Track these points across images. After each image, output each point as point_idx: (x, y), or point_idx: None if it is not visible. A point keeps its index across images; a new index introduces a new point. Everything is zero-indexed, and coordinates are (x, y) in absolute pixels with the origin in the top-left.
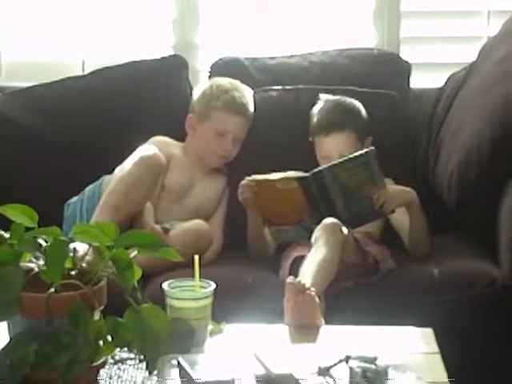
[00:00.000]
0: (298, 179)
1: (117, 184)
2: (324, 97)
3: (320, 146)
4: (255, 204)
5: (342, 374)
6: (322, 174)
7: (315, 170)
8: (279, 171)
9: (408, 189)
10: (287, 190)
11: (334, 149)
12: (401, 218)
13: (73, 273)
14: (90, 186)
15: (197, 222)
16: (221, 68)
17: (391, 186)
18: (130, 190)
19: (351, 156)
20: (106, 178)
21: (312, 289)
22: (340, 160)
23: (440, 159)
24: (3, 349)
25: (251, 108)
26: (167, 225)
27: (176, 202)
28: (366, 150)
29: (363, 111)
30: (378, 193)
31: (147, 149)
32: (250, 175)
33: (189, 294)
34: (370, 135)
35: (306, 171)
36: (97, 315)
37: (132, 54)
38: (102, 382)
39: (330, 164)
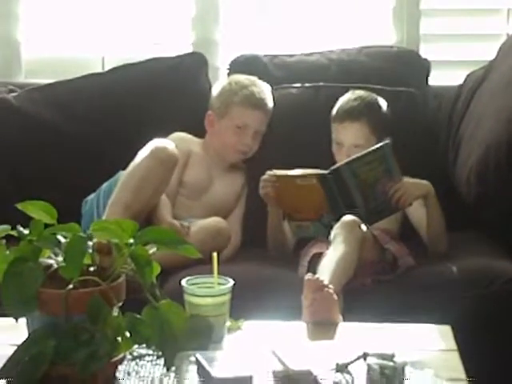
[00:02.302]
0: (318, 176)
1: (127, 179)
2: (352, 90)
3: (335, 133)
4: (275, 199)
5: (359, 370)
6: (341, 171)
7: (334, 166)
8: (298, 168)
9: (424, 181)
10: (307, 186)
11: (346, 137)
12: (418, 213)
13: (91, 269)
14: (107, 183)
15: (215, 219)
16: (240, 65)
17: (407, 179)
18: (140, 186)
19: (368, 150)
20: (122, 173)
21: (330, 286)
22: (357, 155)
23: (459, 156)
24: (22, 344)
25: (270, 103)
26: (185, 223)
27: (195, 199)
28: (381, 143)
29: (384, 109)
30: (394, 186)
31: (159, 141)
32: (270, 170)
33: (207, 290)
34: (389, 135)
35: (325, 168)
36: (115, 311)
37: (152, 50)
38: (120, 377)
39: (347, 160)
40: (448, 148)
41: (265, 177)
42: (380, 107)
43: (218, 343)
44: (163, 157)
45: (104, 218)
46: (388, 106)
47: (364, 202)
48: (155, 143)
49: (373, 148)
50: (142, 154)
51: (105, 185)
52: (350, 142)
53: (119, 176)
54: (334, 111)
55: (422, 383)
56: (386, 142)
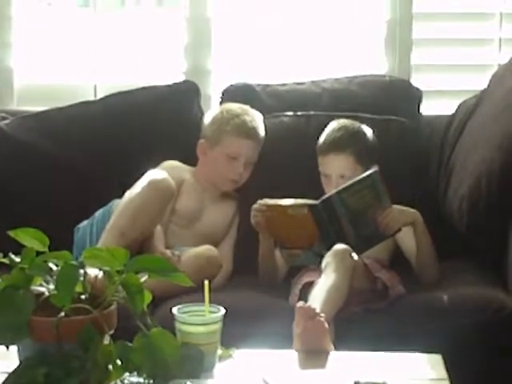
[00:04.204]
0: (309, 206)
1: (124, 208)
2: (336, 120)
3: (321, 165)
4: (267, 228)
5: None
6: (331, 200)
7: (324, 196)
8: (290, 197)
9: (411, 209)
10: (298, 216)
11: (331, 169)
12: (409, 241)
13: (83, 297)
14: (100, 210)
15: (206, 248)
16: (232, 94)
17: (395, 206)
18: (137, 215)
19: (357, 179)
20: (116, 201)
21: (322, 314)
22: (346, 184)
23: (451, 185)
24: (13, 372)
25: (262, 132)
26: (176, 252)
27: (186, 227)
28: (369, 171)
29: (370, 137)
30: (383, 213)
31: (157, 173)
32: (261, 199)
33: (198, 318)
34: (377, 162)
35: (316, 197)
36: (106, 339)
37: (144, 79)
38: None
39: (337, 189)
40: (439, 177)
41: (256, 206)
42: (364, 135)
43: (209, 371)
44: (161, 188)
45: (100, 243)
46: (374, 133)
47: (354, 230)
48: (153, 174)
49: (362, 176)
50: (140, 184)
51: (98, 212)
52: (337, 173)
53: (113, 204)
54: (319, 144)
55: None
56: (375, 169)
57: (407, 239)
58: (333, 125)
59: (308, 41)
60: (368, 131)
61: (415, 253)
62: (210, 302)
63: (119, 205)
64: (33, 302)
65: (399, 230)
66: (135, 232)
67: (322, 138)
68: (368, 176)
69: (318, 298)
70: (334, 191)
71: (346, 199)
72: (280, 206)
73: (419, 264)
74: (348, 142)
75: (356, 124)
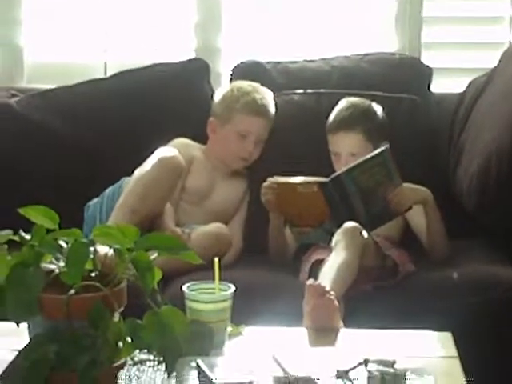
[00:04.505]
0: (319, 184)
1: (134, 186)
2: (345, 98)
3: (331, 144)
4: (277, 206)
5: (360, 377)
6: (341, 178)
7: (334, 174)
8: (300, 174)
9: (422, 187)
10: (308, 194)
11: (341, 147)
12: (419, 219)
13: (93, 274)
14: (110, 188)
15: (216, 225)
16: (242, 71)
17: (406, 184)
18: (147, 192)
19: (367, 157)
20: (126, 179)
21: (332, 292)
22: (357, 162)
23: (461, 163)
24: (23, 349)
25: (272, 110)
26: (186, 230)
27: (197, 205)
28: (380, 149)
29: (380, 115)
30: (393, 191)
31: (167, 150)
32: (271, 177)
33: (208, 296)
34: (387, 140)
35: (326, 175)
36: (116, 317)
37: (154, 56)
38: (121, 383)
39: (347, 167)
40: (449, 155)
41: (266, 184)
42: (374, 113)
43: (218, 349)
44: (171, 166)
45: (110, 220)
46: (384, 111)
47: (365, 208)
48: (163, 152)
49: (372, 154)
50: (150, 161)
51: (108, 190)
52: (347, 151)
53: (123, 182)
54: (329, 122)
55: None
56: (385, 147)
57: (417, 217)
58: (342, 103)
59: (318, 18)
60: (378, 109)
61: (425, 230)
62: (220, 279)
63: (129, 182)
64: (43, 280)
65: (410, 208)
66: (145, 209)
67: (331, 117)
68: (379, 154)
69: (327, 275)
70: (344, 169)
71: (357, 177)
72: (290, 183)
73: (429, 242)
74: (358, 120)
75: (366, 102)
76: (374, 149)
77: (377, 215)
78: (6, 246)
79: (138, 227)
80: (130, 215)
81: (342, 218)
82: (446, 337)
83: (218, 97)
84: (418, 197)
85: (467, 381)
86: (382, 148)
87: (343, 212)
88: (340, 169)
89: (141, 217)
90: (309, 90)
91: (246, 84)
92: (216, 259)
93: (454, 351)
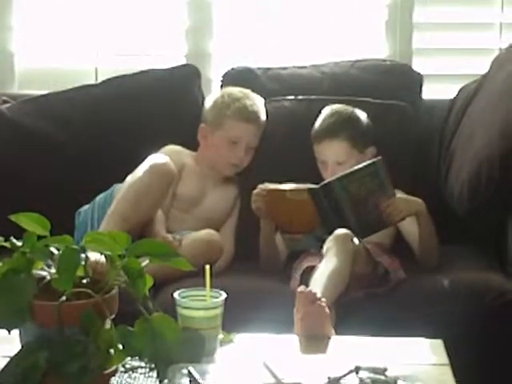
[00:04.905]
0: (309, 191)
1: (126, 192)
2: (328, 106)
3: (317, 153)
4: (267, 213)
5: None
6: (332, 186)
7: (325, 181)
8: (291, 181)
9: (416, 198)
10: (298, 201)
11: (327, 156)
12: (411, 228)
13: (84, 281)
14: (101, 195)
15: (207, 232)
16: (233, 77)
17: (400, 196)
18: (139, 199)
19: (360, 166)
20: (117, 186)
21: (323, 299)
22: (348, 171)
23: (451, 170)
24: (15, 356)
25: (263, 116)
26: (177, 236)
27: (187, 211)
28: (374, 159)
29: (363, 121)
30: (386, 202)
31: (158, 157)
32: (262, 184)
33: (200, 303)
34: (373, 145)
35: (316, 181)
36: (108, 324)
37: (145, 62)
38: None
39: (339, 175)
40: (440, 161)
41: (256, 191)
42: (357, 119)
43: (210, 356)
44: (162, 173)
45: (101, 227)
46: (373, 117)
47: (355, 216)
48: (154, 159)
49: (364, 164)
50: (142, 168)
51: (99, 197)
52: (332, 159)
53: (114, 188)
54: (313, 131)
55: None
56: (379, 158)
57: (409, 225)
58: (326, 111)
59: (309, 24)
60: (362, 115)
61: (417, 239)
62: (212, 286)
63: (121, 189)
64: (34, 287)
65: (403, 219)
66: (137, 216)
67: (315, 126)
68: (371, 164)
69: (318, 282)
70: (335, 177)
71: (348, 185)
72: (279, 190)
73: (421, 251)
74: (341, 127)
75: (349, 109)
76: (360, 155)
77: (368, 224)
78: None
79: (130, 233)
80: (121, 222)
81: (332, 225)
82: (437, 344)
83: (208, 103)
84: (411, 209)
85: None
86: (376, 159)
87: (333, 219)
88: (327, 178)
89: (132, 224)
90: (299, 97)
91: (236, 90)
92: (207, 266)
93: (445, 359)
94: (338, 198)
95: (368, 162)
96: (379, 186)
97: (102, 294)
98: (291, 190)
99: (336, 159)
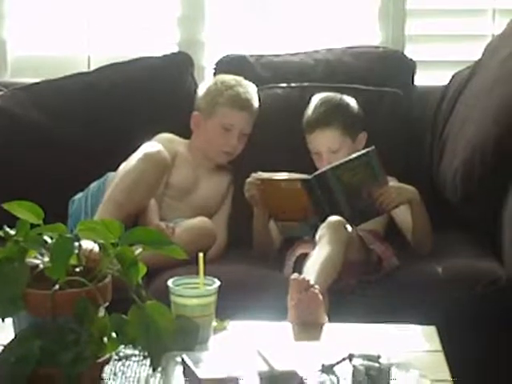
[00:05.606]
0: (302, 181)
1: (121, 180)
2: (316, 95)
3: (310, 144)
4: (261, 201)
5: (345, 371)
6: (325, 176)
7: (318, 171)
8: (284, 169)
9: (409, 186)
10: (291, 190)
11: (321, 145)
12: (404, 216)
13: (78, 270)
14: (95, 183)
15: (201, 220)
16: (226, 65)
17: (392, 184)
18: (133, 187)
19: (353, 156)
20: (111, 174)
21: (316, 286)
22: (342, 161)
23: (444, 157)
24: (8, 345)
25: (256, 103)
26: (171, 224)
27: (181, 200)
28: (367, 149)
29: (353, 107)
30: (379, 190)
31: (151, 145)
32: (255, 172)
33: (193, 291)
34: (364, 130)
35: (310, 169)
36: (101, 312)
37: (137, 50)
38: (106, 378)
39: (332, 165)
40: (433, 148)
41: (250, 179)
42: (347, 106)
43: (203, 344)
44: (156, 160)
45: (97, 215)
46: (370, 105)
47: (349, 204)
48: (148, 147)
49: (358, 154)
50: (135, 156)
51: (93, 185)
52: (326, 148)
53: (108, 177)
54: (304, 122)
55: None
56: (372, 147)
57: (402, 213)
58: (314, 101)
59: (302, 11)
60: (351, 101)
61: (410, 227)
62: (205, 274)
63: (115, 178)
64: (27, 275)
65: (396, 207)
66: (132, 204)
67: (306, 116)
68: (364, 154)
69: (312, 269)
70: (328, 167)
71: (341, 175)
72: (273, 180)
73: (415, 239)
74: (332, 116)
75: (337, 96)
76: (352, 141)
77: (361, 212)
78: None
79: (126, 222)
80: (116, 210)
81: (325, 213)
82: (431, 331)
83: (201, 91)
84: (404, 197)
85: (452, 374)
86: (369, 149)
87: (327, 208)
88: (322, 167)
89: (127, 211)
90: (292, 84)
91: (229, 78)
92: (201, 254)
93: (438, 345)
94: (331, 187)
95: (361, 151)
96: (372, 175)
97: (96, 282)
98: (285, 180)
99: (330, 148)
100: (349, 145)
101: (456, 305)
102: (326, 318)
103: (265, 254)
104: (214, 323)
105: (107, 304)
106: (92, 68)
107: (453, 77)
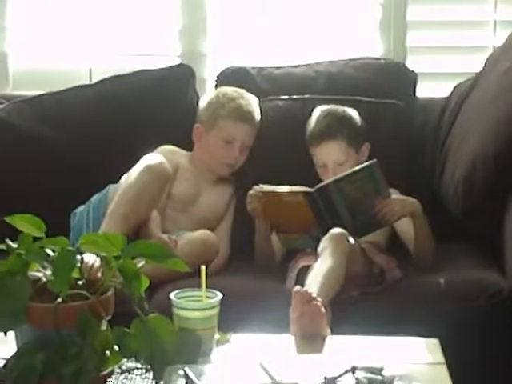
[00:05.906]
0: (304, 194)
1: (124, 193)
2: (318, 108)
3: (315, 156)
4: (263, 214)
5: None
6: (328, 189)
7: (320, 184)
8: (286, 181)
9: (411, 199)
10: (294, 203)
11: (327, 158)
12: (406, 228)
13: (80, 283)
14: (96, 195)
15: (203, 232)
16: (227, 77)
17: (395, 197)
18: (136, 199)
19: (355, 169)
20: (112, 187)
21: (318, 298)
22: (344, 174)
23: (446, 169)
24: (11, 358)
25: (257, 116)
26: (173, 236)
27: (183, 212)
28: (369, 162)
29: (356, 119)
30: (381, 203)
31: (153, 157)
32: (257, 184)
33: (196, 304)
34: (367, 141)
35: (312, 181)
36: (104, 325)
37: (139, 62)
38: None
39: (334, 178)
40: (435, 159)
41: (252, 192)
42: (350, 118)
43: (206, 356)
44: (158, 172)
45: (101, 228)
46: (371, 117)
47: (351, 217)
48: (150, 159)
49: (360, 167)
50: (137, 168)
51: (94, 198)
52: (333, 161)
53: (109, 189)
54: (308, 135)
55: None
56: (374, 160)
57: (404, 226)
58: (317, 113)
59: (303, 23)
60: (353, 112)
61: (412, 238)
62: (207, 286)
63: (118, 190)
64: (30, 288)
65: (398, 219)
66: (136, 216)
67: (310, 129)
68: (367, 166)
69: (314, 282)
70: (331, 179)
71: (343, 188)
72: (275, 193)
73: (417, 251)
74: (337, 128)
75: (340, 108)
76: (356, 152)
77: (364, 224)
78: None
79: (130, 234)
80: (121, 222)
81: (327, 226)
82: (434, 343)
83: (203, 103)
84: (406, 210)
85: None
86: (371, 161)
87: (329, 220)
88: (327, 180)
89: (132, 224)
90: (294, 96)
91: (231, 90)
92: (203, 267)
93: (441, 358)
94: (333, 200)
95: (364, 164)
96: (375, 187)
97: (98, 295)
98: (287, 193)
99: (336, 160)
100: (354, 157)
101: (459, 317)
102: (329, 331)
103: (267, 266)
104: (217, 336)
105: (110, 317)
106: (94, 80)
107: (454, 88)
